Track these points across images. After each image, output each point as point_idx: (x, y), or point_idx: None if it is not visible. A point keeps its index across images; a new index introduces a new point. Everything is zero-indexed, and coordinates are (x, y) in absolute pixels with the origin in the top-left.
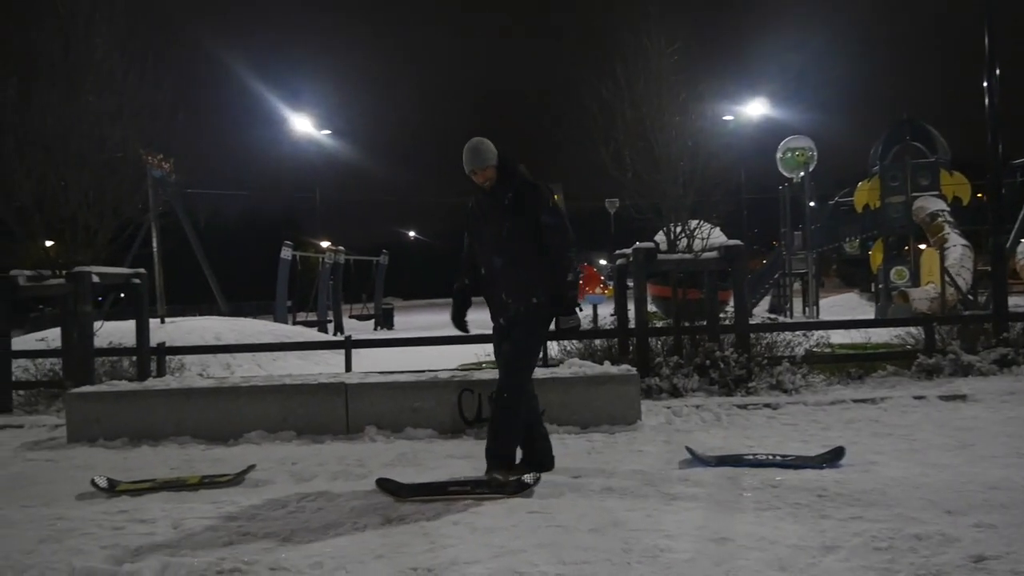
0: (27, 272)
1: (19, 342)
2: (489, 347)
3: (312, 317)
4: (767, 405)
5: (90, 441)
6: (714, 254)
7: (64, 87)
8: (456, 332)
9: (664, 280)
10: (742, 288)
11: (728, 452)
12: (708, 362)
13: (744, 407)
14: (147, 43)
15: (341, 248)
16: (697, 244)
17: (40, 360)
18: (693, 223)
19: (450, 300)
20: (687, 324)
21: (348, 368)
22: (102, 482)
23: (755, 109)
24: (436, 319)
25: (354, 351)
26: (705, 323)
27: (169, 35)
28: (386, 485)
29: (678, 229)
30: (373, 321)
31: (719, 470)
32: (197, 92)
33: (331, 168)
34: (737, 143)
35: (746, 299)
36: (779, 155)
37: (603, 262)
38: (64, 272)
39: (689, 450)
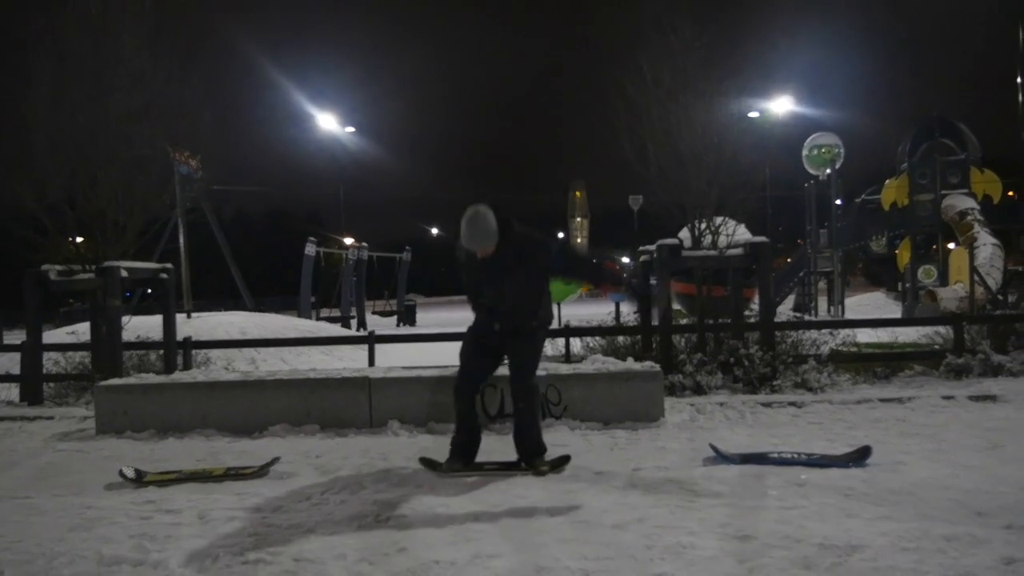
0: (58, 267)
1: (49, 336)
2: None
3: (335, 313)
4: (792, 403)
5: (118, 433)
6: (739, 251)
7: (93, 84)
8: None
9: (688, 277)
10: (767, 285)
11: (753, 450)
12: (732, 359)
13: (768, 405)
14: (175, 41)
15: (364, 244)
16: (722, 241)
17: (70, 353)
18: (718, 220)
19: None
20: (711, 321)
21: (371, 363)
22: (130, 473)
23: (781, 105)
24: (458, 316)
25: (377, 346)
26: (729, 320)
27: (197, 32)
28: (428, 463)
29: (702, 226)
30: (396, 317)
31: (743, 468)
32: (224, 89)
33: (355, 165)
34: (763, 140)
35: (771, 296)
36: (805, 152)
37: (626, 260)
38: (94, 267)
39: (713, 447)
